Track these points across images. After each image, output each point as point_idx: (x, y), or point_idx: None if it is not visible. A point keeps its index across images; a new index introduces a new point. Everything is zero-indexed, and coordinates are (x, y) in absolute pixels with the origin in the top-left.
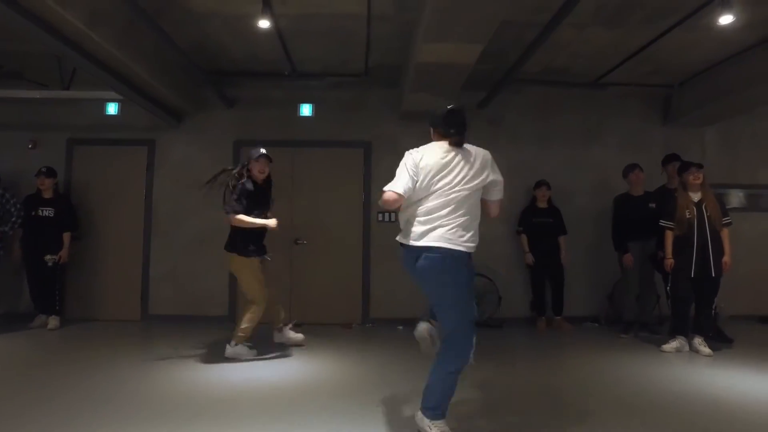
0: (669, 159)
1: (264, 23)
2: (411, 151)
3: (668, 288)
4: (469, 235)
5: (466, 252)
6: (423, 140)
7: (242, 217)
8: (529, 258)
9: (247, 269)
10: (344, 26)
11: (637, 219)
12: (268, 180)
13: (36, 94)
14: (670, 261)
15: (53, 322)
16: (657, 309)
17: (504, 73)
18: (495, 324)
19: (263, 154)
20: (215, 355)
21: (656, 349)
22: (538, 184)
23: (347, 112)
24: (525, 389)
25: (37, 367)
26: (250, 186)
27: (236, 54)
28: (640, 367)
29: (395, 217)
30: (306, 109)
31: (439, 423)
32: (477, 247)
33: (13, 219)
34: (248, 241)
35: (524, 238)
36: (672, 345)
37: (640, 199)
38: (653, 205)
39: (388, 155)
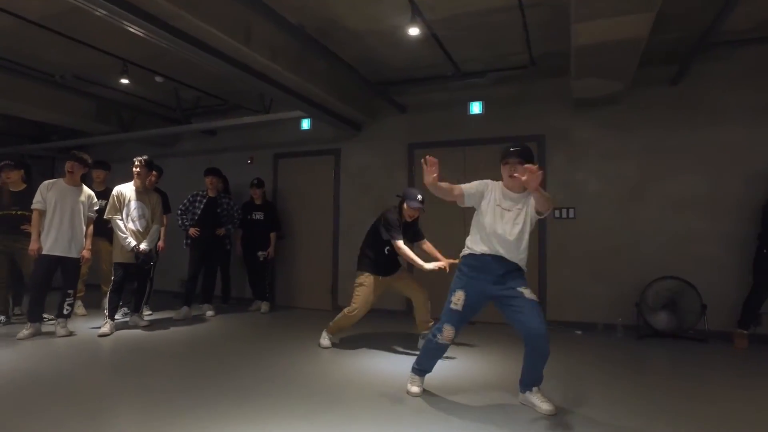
0: None
1: (414, 30)
2: None
3: None
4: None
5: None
6: (599, 129)
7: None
8: None
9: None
10: (497, 20)
11: None
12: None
13: (249, 119)
14: None
15: (265, 307)
16: None
17: (699, 38)
18: (697, 336)
19: (419, 202)
20: (385, 345)
21: None
22: None
23: (516, 106)
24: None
25: (248, 342)
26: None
27: (398, 63)
28: None
29: (573, 213)
30: (476, 107)
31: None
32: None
33: (235, 220)
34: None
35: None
36: None
37: None
38: None
39: (562, 147)
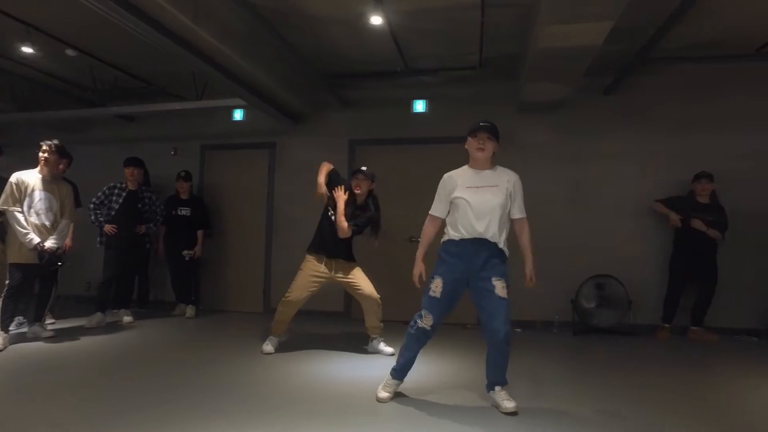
0: None
1: (376, 20)
2: None
3: None
4: None
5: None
6: (542, 134)
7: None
8: (674, 217)
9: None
10: (457, 17)
11: None
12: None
13: (176, 105)
14: None
15: (190, 311)
16: None
17: (637, 53)
18: (625, 330)
19: (361, 172)
20: (330, 349)
21: None
22: (697, 177)
23: (462, 106)
24: (653, 398)
25: (173, 351)
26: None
27: (351, 55)
28: None
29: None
30: (419, 105)
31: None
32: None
33: (158, 217)
34: None
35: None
36: None
37: None
38: None
39: (506, 149)
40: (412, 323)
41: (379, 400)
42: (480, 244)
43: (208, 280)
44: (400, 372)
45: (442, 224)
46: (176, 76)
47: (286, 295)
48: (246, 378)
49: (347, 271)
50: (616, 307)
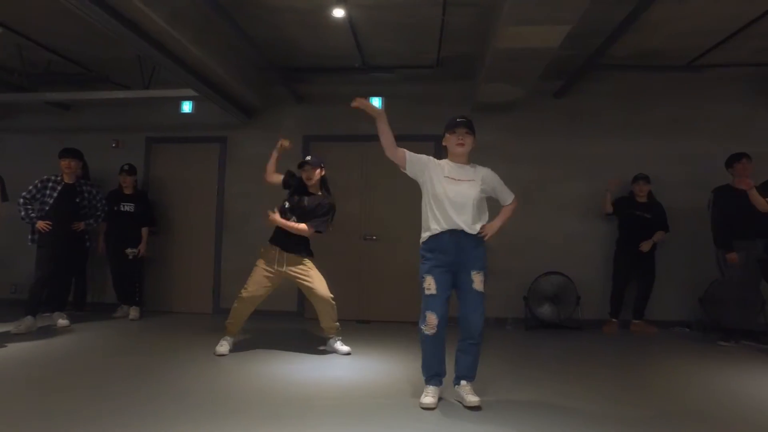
0: None
1: (339, 12)
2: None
3: None
4: None
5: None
6: (497, 134)
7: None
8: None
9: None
10: (419, 14)
11: (741, 215)
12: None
13: (119, 94)
14: None
15: (134, 312)
16: (763, 317)
17: (587, 58)
18: (574, 325)
19: (306, 161)
20: (286, 350)
21: None
22: (636, 178)
23: (418, 105)
24: (605, 390)
25: (117, 356)
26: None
27: (308, 48)
28: (751, 381)
29: None
30: (376, 103)
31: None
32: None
33: (98, 213)
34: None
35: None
36: None
37: (745, 194)
38: None
39: None
40: (420, 331)
41: (424, 406)
42: (458, 235)
43: (154, 280)
44: (432, 378)
45: (398, 154)
46: (120, 62)
47: (242, 291)
48: (199, 382)
49: (299, 266)
50: (566, 303)
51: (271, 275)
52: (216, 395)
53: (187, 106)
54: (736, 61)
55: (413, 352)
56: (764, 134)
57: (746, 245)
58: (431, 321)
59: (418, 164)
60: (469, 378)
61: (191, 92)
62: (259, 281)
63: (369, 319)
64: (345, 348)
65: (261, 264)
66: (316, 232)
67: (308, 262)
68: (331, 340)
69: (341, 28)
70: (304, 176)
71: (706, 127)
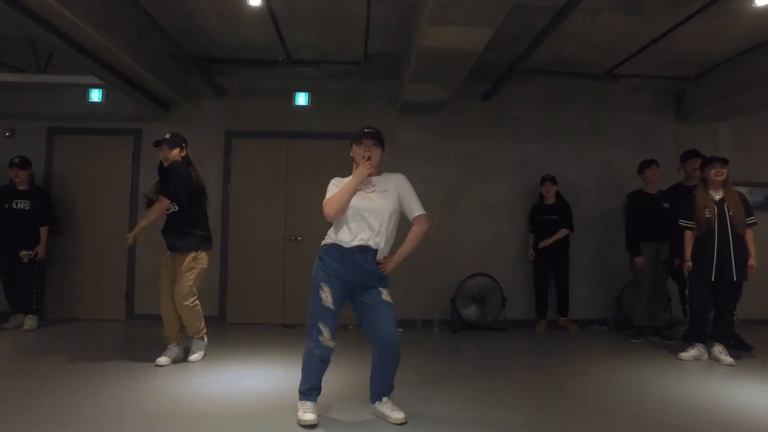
0: (689, 155)
1: (255, 1)
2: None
3: (686, 292)
4: None
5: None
6: (423, 134)
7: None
8: (530, 253)
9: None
10: (342, 8)
11: (651, 218)
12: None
13: (11, 77)
14: (688, 264)
15: (29, 322)
16: (668, 313)
17: (511, 63)
18: (499, 326)
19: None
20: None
21: (671, 357)
22: (542, 180)
23: (344, 103)
24: (526, 395)
25: (6, 374)
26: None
27: (225, 39)
28: (656, 376)
29: None
30: (302, 98)
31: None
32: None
33: None
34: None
35: (531, 237)
36: (690, 353)
37: (655, 198)
38: (667, 205)
39: (387, 148)
40: (311, 343)
41: (303, 423)
42: (367, 252)
43: (56, 285)
44: (308, 392)
45: (332, 211)
46: (7, 41)
47: (194, 300)
48: (118, 396)
49: (178, 262)
50: (492, 305)
51: (167, 275)
52: (116, 416)
53: (96, 95)
54: (646, 73)
55: (341, 360)
56: (669, 142)
57: (654, 247)
58: (327, 335)
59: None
60: (389, 392)
61: (97, 80)
62: (162, 284)
63: (294, 324)
64: (196, 356)
65: (164, 268)
66: (176, 204)
67: (190, 257)
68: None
69: (262, 19)
70: (161, 156)
71: (618, 133)
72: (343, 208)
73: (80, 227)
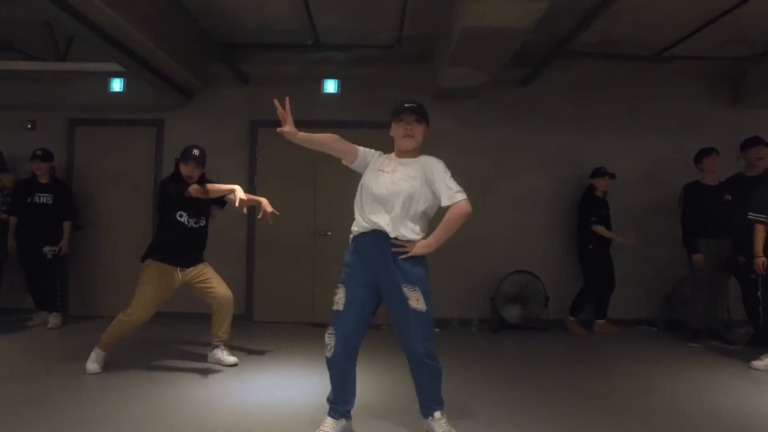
0: (752, 142)
1: None
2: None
3: (759, 293)
4: None
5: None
6: (455, 123)
7: None
8: (627, 237)
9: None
10: None
11: (711, 212)
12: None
13: (32, 65)
14: (762, 260)
15: (54, 320)
16: (727, 315)
17: (554, 44)
18: (542, 327)
19: (193, 156)
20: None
21: (740, 364)
22: (602, 173)
23: (373, 89)
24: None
25: (29, 376)
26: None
27: (248, 21)
28: (729, 387)
29: None
30: (330, 86)
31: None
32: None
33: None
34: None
35: (601, 228)
36: (766, 362)
37: (715, 190)
38: (729, 197)
39: None
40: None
41: None
42: (380, 238)
43: (78, 282)
44: (334, 408)
45: (347, 147)
46: (25, 27)
47: (129, 313)
48: (143, 405)
49: (198, 273)
50: (535, 304)
51: (170, 291)
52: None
53: (117, 84)
54: (701, 54)
55: (376, 364)
56: (721, 129)
57: (715, 243)
58: (328, 341)
59: (365, 157)
60: (438, 405)
61: (118, 67)
62: (152, 302)
63: (323, 323)
64: (231, 359)
65: (152, 279)
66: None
67: (203, 265)
68: (217, 350)
69: (289, 1)
70: (184, 170)
71: (664, 121)
72: (308, 144)
73: (102, 222)
